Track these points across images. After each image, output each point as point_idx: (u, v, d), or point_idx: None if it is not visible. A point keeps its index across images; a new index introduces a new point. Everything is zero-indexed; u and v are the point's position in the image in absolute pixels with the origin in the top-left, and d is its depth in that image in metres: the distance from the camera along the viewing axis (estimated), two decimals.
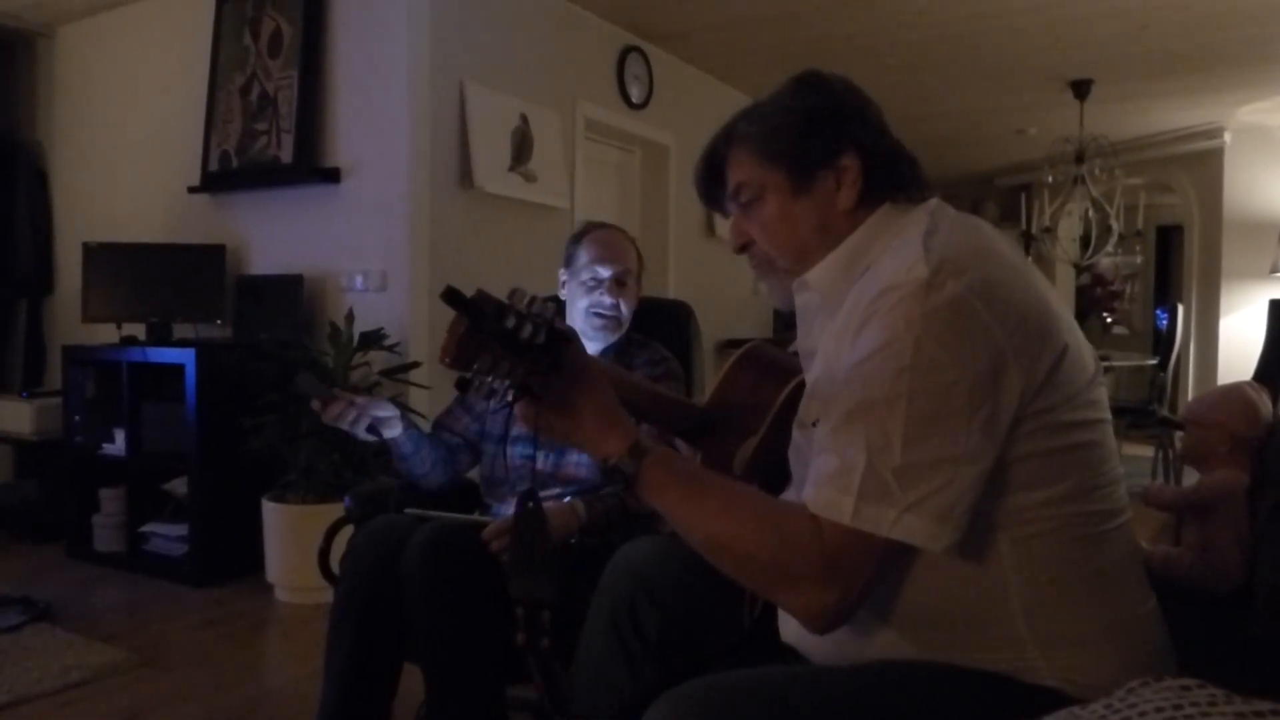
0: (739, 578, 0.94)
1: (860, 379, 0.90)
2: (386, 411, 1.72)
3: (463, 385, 0.91)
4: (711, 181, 1.13)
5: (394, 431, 1.74)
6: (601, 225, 1.94)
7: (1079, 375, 0.94)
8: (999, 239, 0.99)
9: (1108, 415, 0.98)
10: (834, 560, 0.87)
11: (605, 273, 1.84)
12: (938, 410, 0.86)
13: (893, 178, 1.05)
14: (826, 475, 0.90)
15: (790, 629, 1.08)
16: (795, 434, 1.06)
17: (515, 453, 1.86)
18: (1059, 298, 1.00)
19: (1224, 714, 0.78)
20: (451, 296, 0.85)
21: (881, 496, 0.86)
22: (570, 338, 0.95)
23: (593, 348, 1.90)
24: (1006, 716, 0.85)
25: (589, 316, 1.84)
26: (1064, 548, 0.93)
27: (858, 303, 0.96)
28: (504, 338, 0.87)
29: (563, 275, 1.92)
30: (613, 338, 1.88)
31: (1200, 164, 6.54)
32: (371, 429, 1.72)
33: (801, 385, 1.12)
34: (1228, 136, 6.32)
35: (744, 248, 1.11)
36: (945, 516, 0.87)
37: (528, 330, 0.88)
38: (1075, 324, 0.98)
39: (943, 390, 0.86)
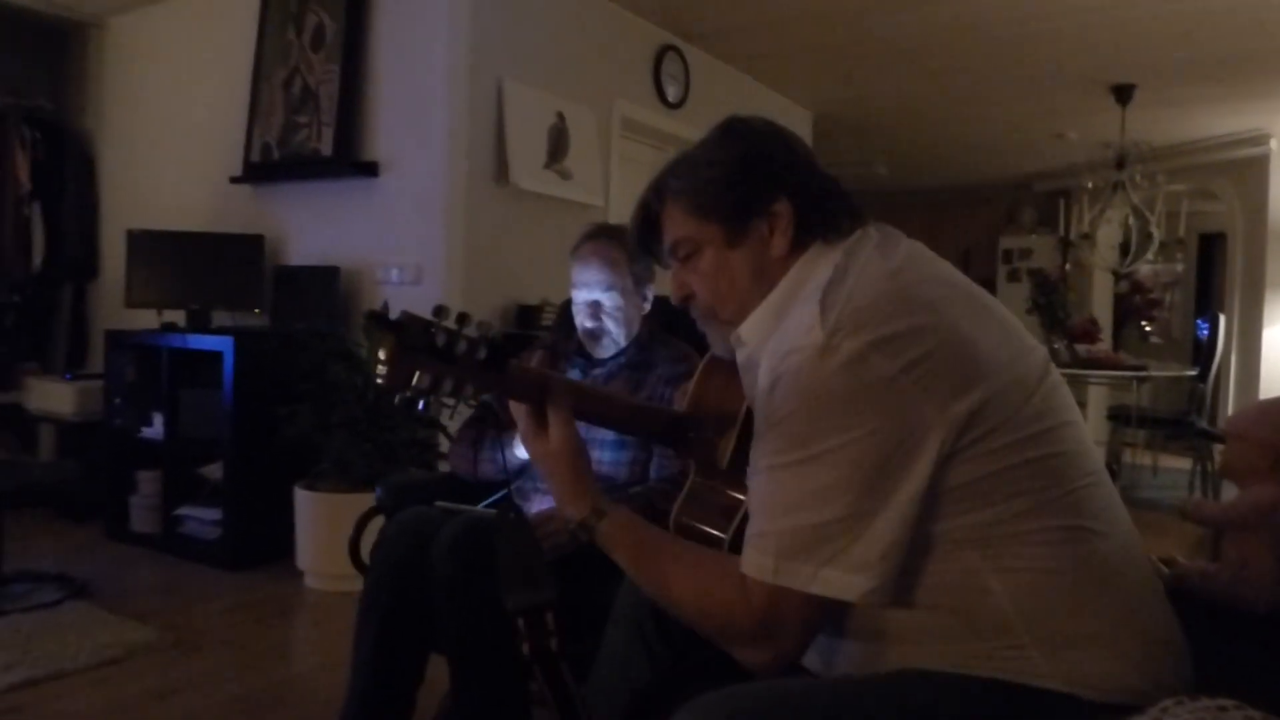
0: (692, 625, 1.01)
1: (771, 443, 0.93)
2: None
3: (406, 404, 0.94)
4: (648, 235, 1.14)
5: None
6: (593, 236, 1.92)
7: (1013, 400, 0.92)
8: (922, 265, 1.00)
9: (1067, 418, 0.97)
10: (765, 620, 0.92)
11: (581, 296, 1.88)
12: (849, 468, 0.88)
13: (825, 217, 1.05)
14: (751, 536, 0.94)
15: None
16: (749, 472, 1.05)
17: (519, 451, 1.86)
18: (999, 315, 1.00)
19: None
20: (372, 317, 0.90)
21: (797, 553, 0.89)
22: (512, 354, 1.00)
23: (598, 351, 1.91)
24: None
25: (582, 334, 1.90)
26: (1042, 553, 0.92)
27: (770, 359, 0.96)
28: (437, 355, 0.90)
29: None
30: (607, 354, 1.90)
31: (1245, 171, 6.40)
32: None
33: None
34: (1274, 144, 6.18)
35: (686, 299, 1.12)
36: (862, 566, 0.88)
37: (462, 346, 0.92)
38: (1014, 335, 0.98)
39: (851, 449, 0.88)
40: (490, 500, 1.84)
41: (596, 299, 1.87)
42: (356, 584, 1.73)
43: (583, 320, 1.89)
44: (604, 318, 1.87)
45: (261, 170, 3.82)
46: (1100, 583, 0.94)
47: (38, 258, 4.32)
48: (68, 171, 4.42)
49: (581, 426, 1.84)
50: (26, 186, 4.21)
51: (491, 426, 1.90)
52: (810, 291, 0.98)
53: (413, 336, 0.90)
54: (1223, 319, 5.60)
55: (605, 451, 1.83)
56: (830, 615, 0.95)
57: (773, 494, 0.93)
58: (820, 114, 5.93)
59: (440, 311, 0.94)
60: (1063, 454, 0.95)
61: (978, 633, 0.93)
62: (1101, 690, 0.90)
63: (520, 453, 1.82)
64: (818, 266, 1.02)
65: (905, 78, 5.07)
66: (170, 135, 4.28)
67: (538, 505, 1.82)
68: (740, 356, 1.10)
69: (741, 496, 1.09)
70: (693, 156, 1.10)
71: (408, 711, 1.69)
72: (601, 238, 1.91)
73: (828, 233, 1.05)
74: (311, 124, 3.64)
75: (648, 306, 1.96)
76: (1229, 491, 1.60)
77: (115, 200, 4.51)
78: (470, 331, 0.94)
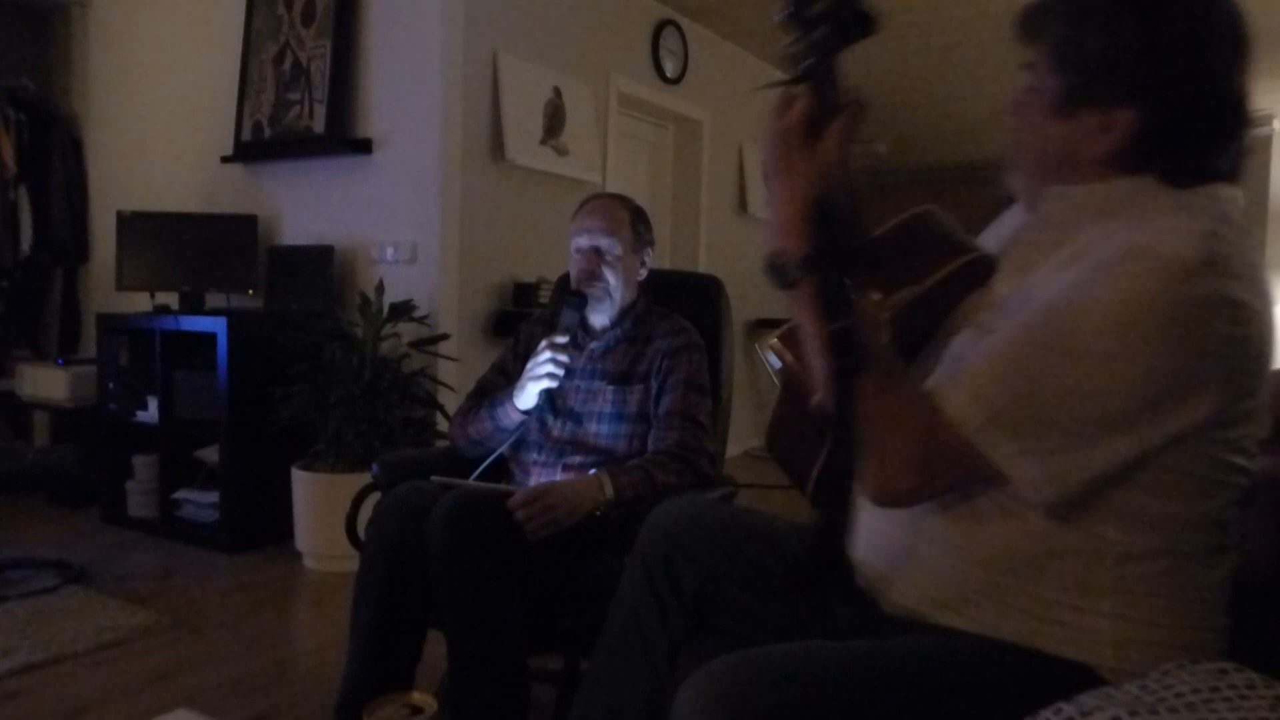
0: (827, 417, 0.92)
1: (1065, 316, 0.85)
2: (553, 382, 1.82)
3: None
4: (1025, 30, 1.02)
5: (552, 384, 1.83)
6: (597, 196, 2.00)
7: (1254, 418, 0.91)
8: (1265, 275, 0.93)
9: (1249, 465, 0.94)
10: (932, 455, 0.88)
11: (581, 243, 1.89)
12: (1118, 385, 0.83)
13: (1176, 155, 0.92)
14: (971, 378, 0.88)
15: (862, 541, 1.07)
16: (966, 333, 1.01)
17: (533, 417, 1.86)
18: None
19: (1262, 697, 0.76)
20: None
21: (1013, 428, 0.85)
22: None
23: (596, 317, 1.92)
24: (1039, 695, 0.83)
25: (577, 285, 1.90)
26: (1168, 555, 0.91)
27: (1100, 247, 0.88)
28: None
29: None
30: (602, 306, 1.89)
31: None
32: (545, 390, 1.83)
33: (979, 261, 1.07)
34: (1277, 124, 6.15)
35: (1011, 115, 1.03)
36: (1059, 477, 0.86)
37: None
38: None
39: (1137, 372, 0.82)
40: (483, 467, 1.83)
41: (597, 244, 1.87)
42: (355, 564, 1.72)
43: (581, 270, 1.88)
44: (603, 266, 1.86)
45: (253, 149, 3.78)
46: (1195, 602, 0.94)
47: (26, 242, 4.28)
48: (55, 154, 4.37)
49: (579, 399, 1.85)
50: (13, 170, 4.16)
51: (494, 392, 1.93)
52: (1177, 217, 0.88)
53: None
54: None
55: (603, 424, 1.82)
56: (974, 484, 0.91)
57: (1026, 361, 0.86)
58: None
59: None
60: (1238, 489, 0.94)
61: (1062, 572, 0.91)
62: (1126, 673, 0.89)
63: (522, 404, 1.83)
64: (1167, 201, 0.91)
65: (906, 54, 5.03)
66: (159, 115, 4.23)
67: (536, 478, 1.81)
68: (1038, 211, 1.01)
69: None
70: (1096, 8, 0.94)
71: (407, 686, 1.68)
72: (605, 197, 1.99)
73: (1169, 173, 0.93)
74: (303, 101, 3.60)
75: (644, 273, 1.95)
76: None
77: (104, 182, 4.47)
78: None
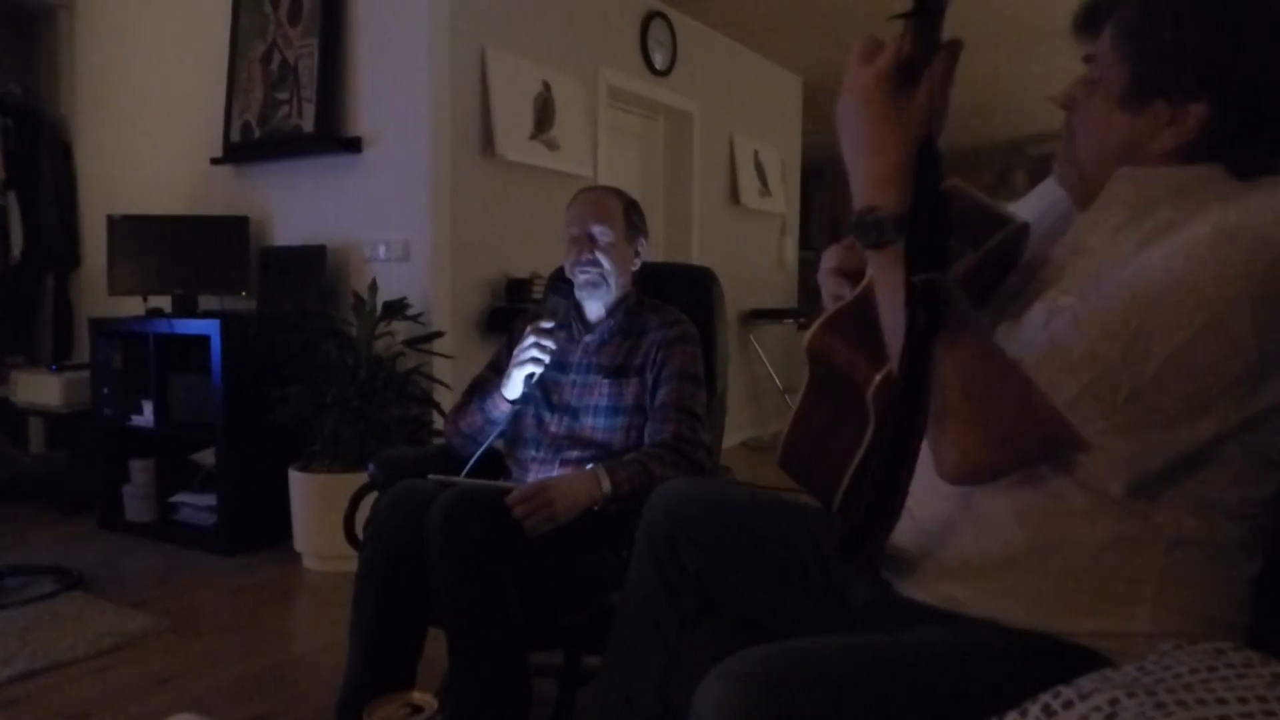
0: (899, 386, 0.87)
1: (1157, 292, 0.83)
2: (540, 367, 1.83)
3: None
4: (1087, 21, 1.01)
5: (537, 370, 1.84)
6: (591, 188, 2.02)
7: None
8: None
9: None
10: (1024, 428, 0.85)
11: (573, 230, 1.90)
12: (1207, 364, 0.82)
13: (1243, 146, 0.92)
14: (1063, 350, 0.86)
15: (909, 522, 1.03)
16: (1037, 307, 0.98)
17: (528, 413, 1.87)
18: None
19: (1260, 675, 0.76)
20: None
21: (1104, 401, 0.83)
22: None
23: (591, 306, 1.92)
24: (1038, 678, 0.83)
25: (572, 274, 1.90)
26: (1217, 551, 0.91)
27: (1191, 223, 0.87)
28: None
29: None
30: (598, 294, 1.89)
31: None
32: (530, 376, 1.84)
33: (1022, 230, 1.05)
34: None
35: (1066, 108, 1.01)
36: (1145, 455, 0.85)
37: None
38: None
39: (1225, 350, 0.81)
40: (473, 462, 1.83)
41: (591, 231, 1.88)
42: (354, 564, 1.72)
43: (575, 258, 1.88)
44: (596, 251, 1.87)
45: (242, 150, 3.77)
46: (1233, 600, 0.94)
47: (16, 248, 4.25)
48: (43, 158, 4.34)
49: (575, 393, 1.85)
50: (1, 175, 4.14)
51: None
52: (1265, 195, 0.88)
53: None
54: None
55: (599, 418, 1.82)
56: (1060, 458, 0.88)
57: (1118, 335, 0.83)
58: (810, 79, 5.88)
59: None
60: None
61: (1109, 563, 0.91)
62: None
63: (509, 393, 1.84)
64: (1235, 189, 0.90)
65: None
66: (147, 117, 4.21)
67: (533, 474, 1.81)
68: (1106, 191, 0.98)
69: None
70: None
71: (407, 686, 1.68)
72: (599, 188, 2.00)
73: (1236, 166, 0.92)
74: (292, 100, 3.58)
75: (638, 263, 1.95)
76: None
77: (93, 186, 4.45)
78: None
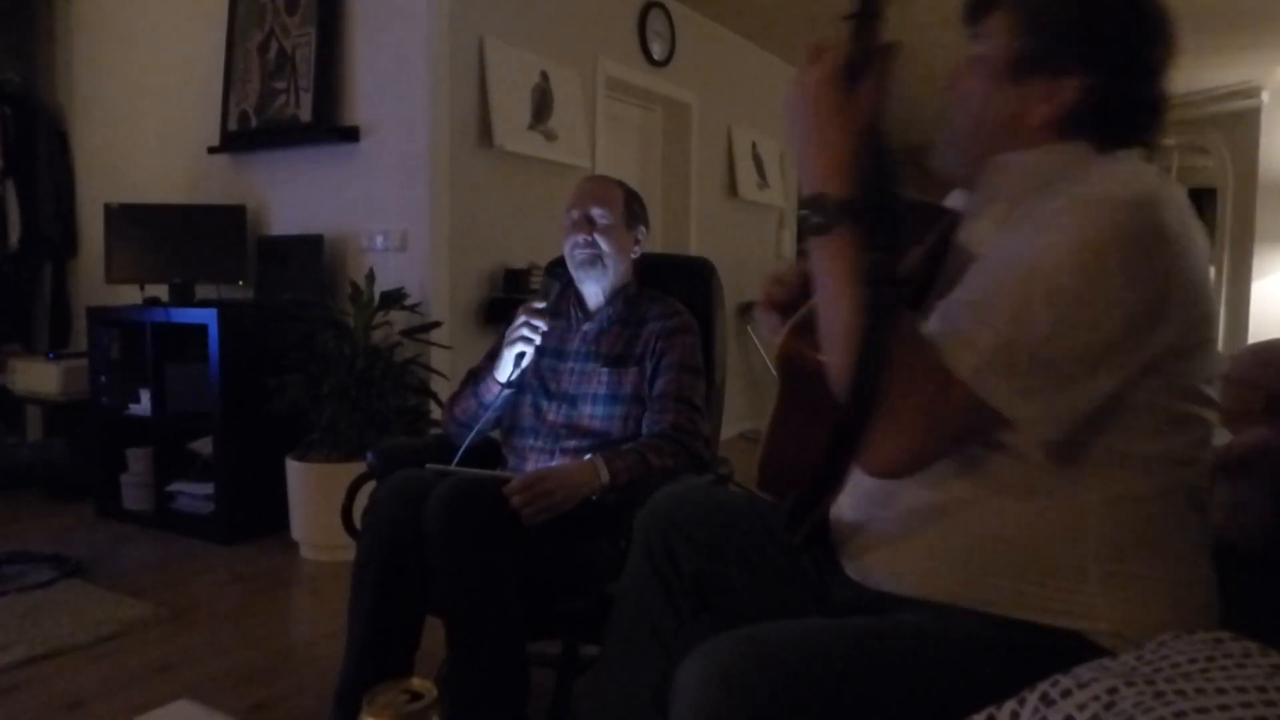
0: (843, 377, 0.90)
1: (1032, 262, 0.89)
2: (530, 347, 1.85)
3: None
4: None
5: (528, 356, 1.86)
6: (591, 177, 2.06)
7: (1213, 355, 0.95)
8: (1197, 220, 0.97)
9: (1215, 396, 0.98)
10: (943, 407, 0.88)
11: (573, 213, 1.91)
12: (1092, 320, 0.86)
13: (1107, 123, 0.99)
14: (959, 330, 0.89)
15: (844, 521, 1.07)
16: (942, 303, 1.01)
17: (526, 402, 1.87)
18: None
19: (1259, 665, 0.77)
20: None
21: (1005, 369, 0.87)
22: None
23: (589, 289, 1.92)
24: (1036, 667, 0.84)
25: (571, 256, 1.90)
26: (1150, 500, 0.94)
27: (1041, 208, 0.93)
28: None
29: None
30: (594, 273, 1.89)
31: (1235, 124, 6.39)
32: (521, 356, 1.85)
33: (958, 219, 1.09)
34: (1265, 96, 6.16)
35: (949, 87, 1.06)
36: (1054, 415, 0.88)
37: None
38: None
39: (1105, 304, 0.86)
40: (465, 446, 1.83)
41: (590, 213, 1.89)
42: (351, 553, 1.72)
43: (575, 241, 1.89)
44: (595, 233, 1.88)
45: (240, 139, 3.75)
46: (1179, 550, 0.96)
47: (14, 236, 4.25)
48: (40, 147, 4.33)
49: (574, 381, 1.85)
50: None
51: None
52: (1109, 168, 0.95)
53: None
54: (1212, 273, 5.61)
55: (598, 407, 1.82)
56: (980, 436, 0.92)
57: (1004, 307, 0.87)
58: None
59: None
60: (1209, 431, 0.97)
61: (1049, 552, 0.93)
62: (1126, 639, 0.91)
63: (500, 375, 1.86)
64: (1096, 160, 0.97)
65: (895, 31, 5.01)
66: (144, 106, 4.19)
67: (532, 463, 1.81)
68: (983, 184, 1.05)
69: None
70: None
71: (406, 675, 1.68)
72: (601, 176, 2.03)
73: (1101, 139, 0.99)
74: (289, 89, 3.57)
75: (638, 251, 1.96)
76: (1220, 437, 1.60)
77: (91, 174, 4.43)
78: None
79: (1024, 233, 0.92)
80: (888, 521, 1.03)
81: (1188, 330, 0.90)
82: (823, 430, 0.99)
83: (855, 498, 1.07)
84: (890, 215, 0.87)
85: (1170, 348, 0.89)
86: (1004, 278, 0.90)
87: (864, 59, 0.89)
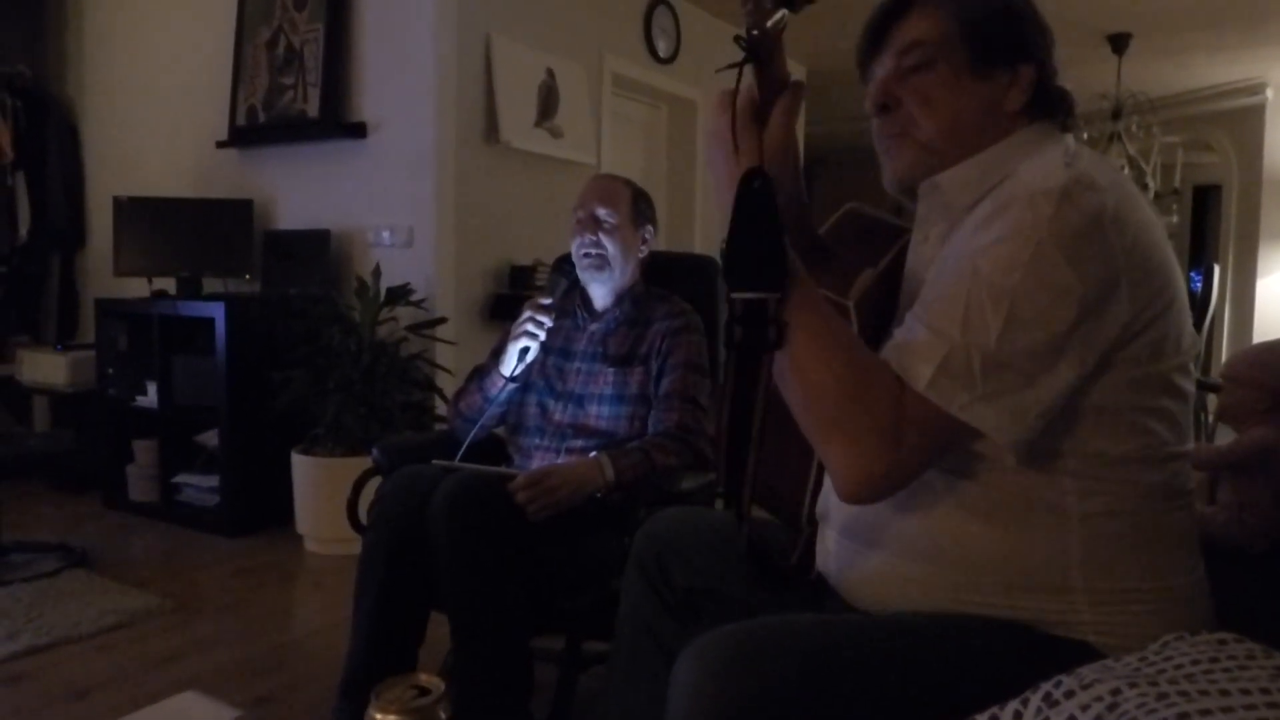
0: (806, 412, 0.91)
1: (973, 267, 0.89)
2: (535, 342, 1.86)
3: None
4: (884, 24, 1.05)
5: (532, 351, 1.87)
6: (599, 176, 2.07)
7: (1180, 335, 0.93)
8: (1135, 189, 0.98)
9: (1192, 392, 0.97)
10: (904, 423, 0.87)
11: (580, 213, 1.91)
12: (1040, 314, 0.86)
13: (1050, 103, 1.03)
14: (909, 343, 0.90)
15: (829, 558, 1.08)
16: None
17: (532, 401, 1.88)
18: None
19: (1262, 667, 0.77)
20: None
21: (961, 376, 0.86)
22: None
23: (596, 291, 1.93)
24: (1038, 668, 0.84)
25: (578, 259, 1.91)
26: (1131, 507, 0.93)
27: (968, 223, 0.95)
28: None
29: None
30: (600, 276, 1.90)
31: (1241, 121, 6.36)
32: (525, 351, 1.86)
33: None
34: (1270, 93, 6.13)
35: (884, 109, 1.04)
36: (1018, 416, 0.87)
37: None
38: (1185, 292, 0.97)
39: (1051, 296, 0.86)
40: (469, 441, 1.84)
41: (595, 212, 1.89)
42: (356, 547, 1.73)
43: (581, 243, 1.89)
44: (600, 233, 1.88)
45: (248, 134, 3.76)
46: (1162, 551, 0.96)
47: (24, 228, 4.26)
48: (51, 140, 4.34)
49: (580, 381, 1.86)
50: (9, 156, 4.13)
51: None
52: (1041, 157, 0.97)
53: None
54: (1217, 271, 5.59)
55: (604, 406, 1.82)
56: (952, 449, 0.92)
57: (953, 314, 0.88)
58: (814, 67, 5.85)
59: None
60: (1183, 422, 0.96)
61: (1032, 567, 0.93)
62: (1122, 648, 0.90)
63: (504, 369, 1.86)
64: (1039, 144, 1.00)
65: (835, 38, 5.01)
66: (153, 100, 4.20)
67: (537, 461, 1.82)
68: (921, 207, 1.06)
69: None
70: None
71: (410, 668, 1.69)
72: (609, 175, 2.03)
73: (1045, 120, 1.03)
74: (297, 85, 3.58)
75: (645, 250, 1.96)
76: (1223, 437, 1.60)
77: (100, 168, 4.44)
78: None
79: (963, 237, 0.94)
80: (868, 554, 1.02)
81: (1144, 305, 0.89)
82: (796, 446, 1.00)
83: (838, 529, 1.07)
84: (776, 255, 0.88)
85: (1127, 326, 0.88)
86: (949, 286, 0.90)
87: (766, 99, 0.92)
